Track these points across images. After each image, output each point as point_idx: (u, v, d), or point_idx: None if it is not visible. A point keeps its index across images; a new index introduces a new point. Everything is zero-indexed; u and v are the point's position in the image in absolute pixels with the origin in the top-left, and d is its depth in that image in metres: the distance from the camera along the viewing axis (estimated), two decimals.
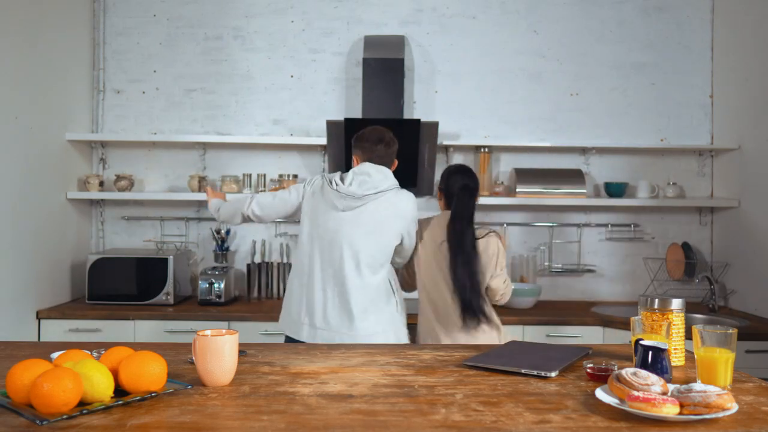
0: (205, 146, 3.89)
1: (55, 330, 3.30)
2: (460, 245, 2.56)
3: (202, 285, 3.51)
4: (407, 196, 2.62)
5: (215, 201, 2.87)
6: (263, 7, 3.93)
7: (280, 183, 3.70)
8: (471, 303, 2.53)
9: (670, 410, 1.30)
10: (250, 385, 1.55)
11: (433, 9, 3.93)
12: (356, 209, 2.50)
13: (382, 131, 2.66)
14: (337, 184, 2.52)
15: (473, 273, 2.54)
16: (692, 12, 3.93)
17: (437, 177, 3.82)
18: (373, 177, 2.54)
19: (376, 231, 2.52)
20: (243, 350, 1.86)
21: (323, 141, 3.67)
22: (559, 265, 3.90)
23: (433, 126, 3.55)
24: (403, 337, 2.59)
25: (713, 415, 1.30)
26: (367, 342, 2.39)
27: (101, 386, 1.36)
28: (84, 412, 1.31)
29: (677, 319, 1.82)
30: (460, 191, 2.64)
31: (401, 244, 2.62)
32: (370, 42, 3.78)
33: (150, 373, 1.43)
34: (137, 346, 1.64)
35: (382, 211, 2.53)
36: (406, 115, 3.81)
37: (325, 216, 2.52)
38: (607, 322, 3.31)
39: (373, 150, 2.61)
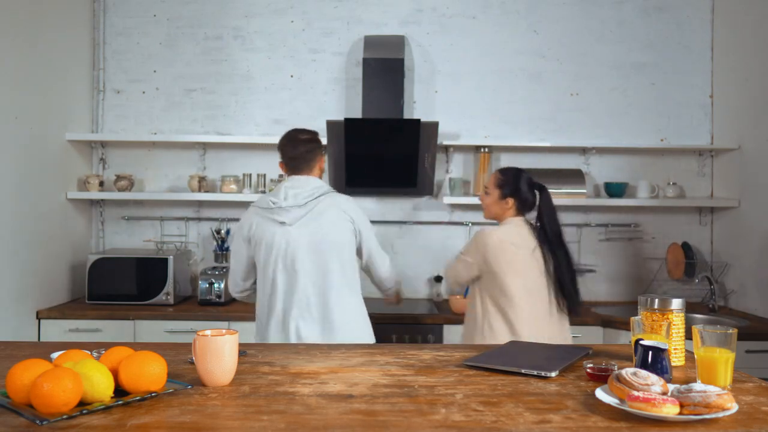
0: (205, 146, 3.89)
1: (55, 330, 3.30)
2: (561, 243, 2.53)
3: (202, 285, 3.51)
4: (344, 196, 2.60)
5: None
6: (263, 7, 3.93)
7: (280, 183, 3.69)
8: (578, 292, 2.52)
9: (670, 410, 1.30)
10: (250, 385, 1.55)
11: (433, 9, 3.93)
12: (303, 218, 2.48)
13: (296, 132, 2.63)
14: (274, 203, 2.50)
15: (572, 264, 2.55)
16: (692, 12, 3.93)
17: (437, 177, 3.82)
18: (305, 187, 2.52)
19: (330, 230, 2.49)
20: (243, 350, 1.86)
21: (323, 141, 3.66)
22: None
23: (433, 126, 3.55)
24: (369, 327, 2.57)
25: (713, 415, 1.30)
26: (343, 335, 2.42)
27: (101, 386, 1.36)
28: (84, 412, 1.31)
29: (677, 319, 1.82)
30: (542, 191, 2.58)
31: (361, 251, 2.59)
32: (370, 42, 3.78)
33: (150, 373, 1.43)
34: (137, 346, 1.64)
35: (328, 210, 2.50)
36: (406, 115, 3.81)
37: (276, 237, 2.48)
38: (607, 322, 3.31)
39: (293, 155, 2.58)
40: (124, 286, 3.49)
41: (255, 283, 2.64)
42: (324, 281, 2.47)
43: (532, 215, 2.63)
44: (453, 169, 3.90)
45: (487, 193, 2.64)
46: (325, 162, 2.67)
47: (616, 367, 1.61)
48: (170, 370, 1.61)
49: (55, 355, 1.58)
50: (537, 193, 2.60)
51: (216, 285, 3.50)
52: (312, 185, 2.54)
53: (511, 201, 2.57)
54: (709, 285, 3.58)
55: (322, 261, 2.47)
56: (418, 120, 3.49)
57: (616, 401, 1.38)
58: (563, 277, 2.49)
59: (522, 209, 2.59)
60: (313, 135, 2.64)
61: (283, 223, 2.48)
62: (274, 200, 2.51)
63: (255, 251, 2.54)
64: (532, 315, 2.45)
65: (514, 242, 2.49)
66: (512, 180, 2.58)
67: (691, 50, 3.94)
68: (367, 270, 2.69)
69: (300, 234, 2.47)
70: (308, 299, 2.46)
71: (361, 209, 2.60)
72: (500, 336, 2.42)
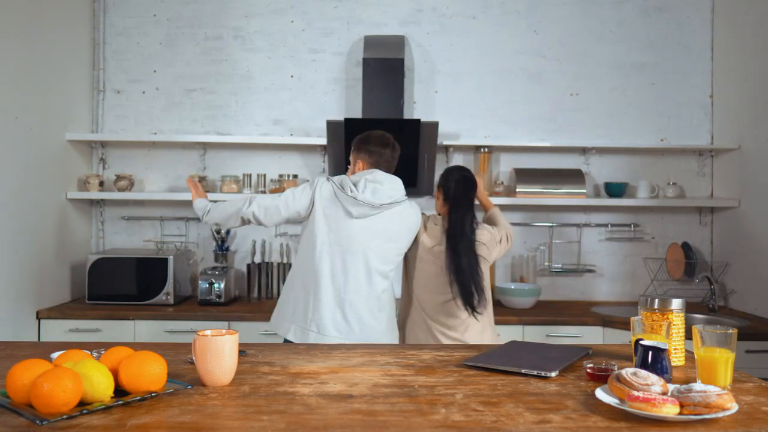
0: (205, 146, 3.89)
1: (55, 330, 3.30)
2: (462, 233, 2.55)
3: (202, 285, 3.51)
4: (416, 209, 2.64)
5: (202, 201, 2.73)
6: (263, 7, 3.93)
7: (280, 183, 3.70)
8: (474, 291, 2.52)
9: (670, 410, 1.30)
10: (250, 385, 1.55)
11: (433, 9, 3.93)
12: (370, 217, 2.49)
13: (388, 136, 2.64)
14: (352, 191, 2.48)
15: (475, 260, 2.55)
16: (692, 12, 3.93)
17: (437, 177, 3.82)
18: (385, 186, 2.52)
19: (390, 240, 2.53)
20: (243, 350, 1.86)
21: (323, 141, 3.67)
22: (559, 265, 3.90)
23: (433, 126, 3.55)
24: (396, 339, 2.61)
25: (713, 415, 1.30)
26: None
27: (101, 386, 1.36)
28: (84, 412, 1.31)
29: (677, 319, 1.82)
30: (456, 182, 2.66)
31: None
32: (370, 42, 3.78)
33: (150, 373, 1.43)
34: (137, 346, 1.64)
35: (396, 221, 2.54)
36: (406, 115, 3.81)
37: (339, 222, 2.49)
38: (607, 322, 3.31)
39: (381, 154, 2.59)
40: (124, 286, 3.49)
41: (246, 225, 2.65)
42: (368, 281, 2.50)
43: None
44: None
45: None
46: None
47: (616, 367, 1.61)
48: (170, 370, 1.61)
49: (55, 355, 1.58)
50: (457, 183, 2.69)
51: (216, 285, 3.50)
52: (389, 187, 2.53)
53: (438, 194, 2.74)
54: (709, 285, 3.58)
55: (374, 263, 2.50)
56: (418, 120, 3.49)
57: (616, 401, 1.38)
58: (459, 269, 2.55)
59: (446, 201, 2.69)
60: (395, 141, 2.68)
61: (350, 214, 2.49)
62: (352, 188, 2.49)
63: (311, 218, 2.53)
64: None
65: (429, 231, 2.68)
66: (443, 176, 2.74)
67: (691, 50, 3.94)
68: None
69: (362, 229, 2.49)
70: (352, 294, 2.48)
71: (419, 223, 2.65)
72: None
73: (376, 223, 2.50)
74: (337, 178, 2.55)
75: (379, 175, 2.54)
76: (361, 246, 2.48)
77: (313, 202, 2.53)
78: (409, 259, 2.70)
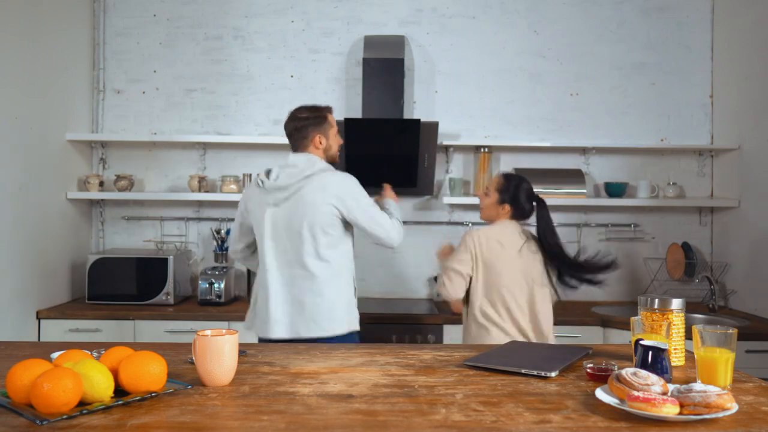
0: (205, 146, 3.90)
1: (55, 330, 3.30)
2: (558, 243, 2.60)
3: (202, 285, 3.51)
4: (339, 175, 2.55)
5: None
6: (263, 7, 3.93)
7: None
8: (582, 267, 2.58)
9: (670, 410, 1.30)
10: (250, 385, 1.55)
11: (433, 9, 3.93)
12: (289, 200, 2.50)
13: (297, 109, 2.64)
14: (262, 182, 2.53)
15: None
16: (692, 12, 3.93)
17: (437, 177, 3.83)
18: (299, 166, 2.53)
19: (308, 215, 2.47)
20: (243, 350, 1.86)
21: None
22: None
23: (433, 126, 3.55)
24: (355, 319, 2.58)
25: (713, 415, 1.30)
26: (323, 327, 2.45)
27: (101, 386, 1.36)
28: (84, 412, 1.31)
29: (677, 319, 1.82)
30: (539, 204, 2.65)
31: (356, 224, 2.54)
32: (370, 42, 3.78)
33: (150, 373, 1.43)
34: (137, 346, 1.64)
35: (312, 193, 2.48)
36: (406, 115, 3.81)
37: (263, 215, 2.53)
38: (607, 322, 3.31)
39: (289, 131, 2.61)
40: (124, 286, 3.49)
41: (248, 246, 2.74)
42: (293, 263, 2.50)
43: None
44: (453, 169, 3.90)
45: (486, 194, 2.69)
46: (326, 138, 2.60)
47: (616, 367, 1.61)
48: (170, 370, 1.61)
49: (55, 355, 1.58)
50: (534, 205, 2.65)
51: (216, 285, 3.50)
52: (302, 165, 2.53)
53: (507, 207, 2.63)
54: (709, 285, 3.58)
55: (306, 245, 2.48)
56: (418, 120, 3.49)
57: (616, 401, 1.38)
58: (559, 264, 2.57)
59: (515, 217, 2.64)
60: (311, 111, 2.61)
61: (269, 204, 2.52)
62: (263, 179, 2.55)
63: (250, 224, 2.64)
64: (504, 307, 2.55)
65: (500, 240, 2.56)
66: (513, 188, 2.63)
67: (691, 50, 3.94)
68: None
69: (282, 216, 2.50)
70: (290, 278, 2.50)
71: (350, 186, 2.54)
72: (486, 326, 2.54)
73: (297, 204, 2.49)
74: (253, 179, 2.70)
75: (291, 158, 2.59)
76: (286, 230, 2.52)
77: (244, 212, 2.65)
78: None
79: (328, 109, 2.66)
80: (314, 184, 2.49)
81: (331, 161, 2.65)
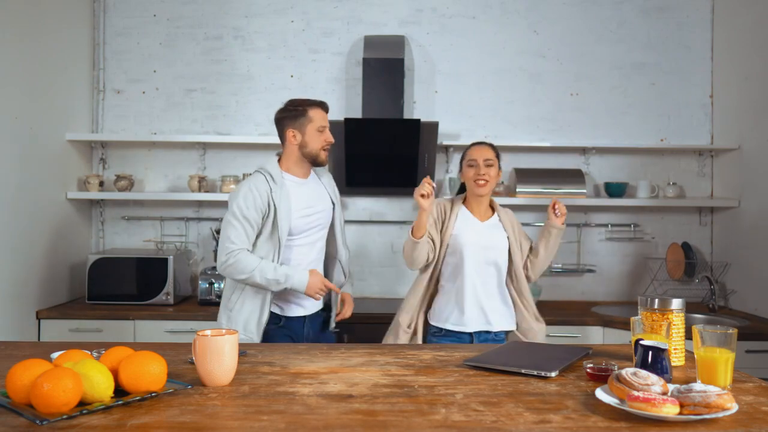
0: (205, 146, 3.89)
1: (55, 330, 3.30)
2: None
3: (202, 285, 3.51)
4: (240, 185, 2.54)
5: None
6: (263, 7, 3.93)
7: None
8: None
9: (670, 410, 1.30)
10: (250, 385, 1.55)
11: (433, 9, 3.93)
12: None
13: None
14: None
15: None
16: (692, 12, 3.93)
17: (437, 177, 3.82)
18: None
19: None
20: (243, 350, 1.86)
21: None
22: (559, 265, 3.90)
23: (433, 126, 3.55)
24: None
25: (713, 415, 1.30)
26: None
27: (101, 386, 1.36)
28: (84, 412, 1.31)
29: (677, 319, 1.82)
30: None
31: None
32: (370, 42, 3.78)
33: (150, 373, 1.43)
34: (137, 346, 1.64)
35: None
36: (406, 115, 3.81)
37: None
38: (607, 322, 3.31)
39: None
40: (124, 286, 3.49)
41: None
42: None
43: None
44: (453, 169, 3.90)
45: (490, 165, 2.63)
46: (302, 134, 2.52)
47: (616, 367, 1.61)
48: (170, 370, 1.61)
49: (55, 355, 1.58)
50: None
51: (216, 285, 3.50)
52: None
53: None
54: (709, 285, 3.58)
55: None
56: (418, 120, 3.49)
57: (616, 401, 1.38)
58: None
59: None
60: (292, 104, 2.54)
61: None
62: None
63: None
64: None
65: None
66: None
67: (691, 50, 3.93)
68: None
69: None
70: None
71: (231, 198, 2.49)
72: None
73: None
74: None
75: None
76: None
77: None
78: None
79: (313, 104, 2.54)
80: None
81: (313, 159, 2.56)
